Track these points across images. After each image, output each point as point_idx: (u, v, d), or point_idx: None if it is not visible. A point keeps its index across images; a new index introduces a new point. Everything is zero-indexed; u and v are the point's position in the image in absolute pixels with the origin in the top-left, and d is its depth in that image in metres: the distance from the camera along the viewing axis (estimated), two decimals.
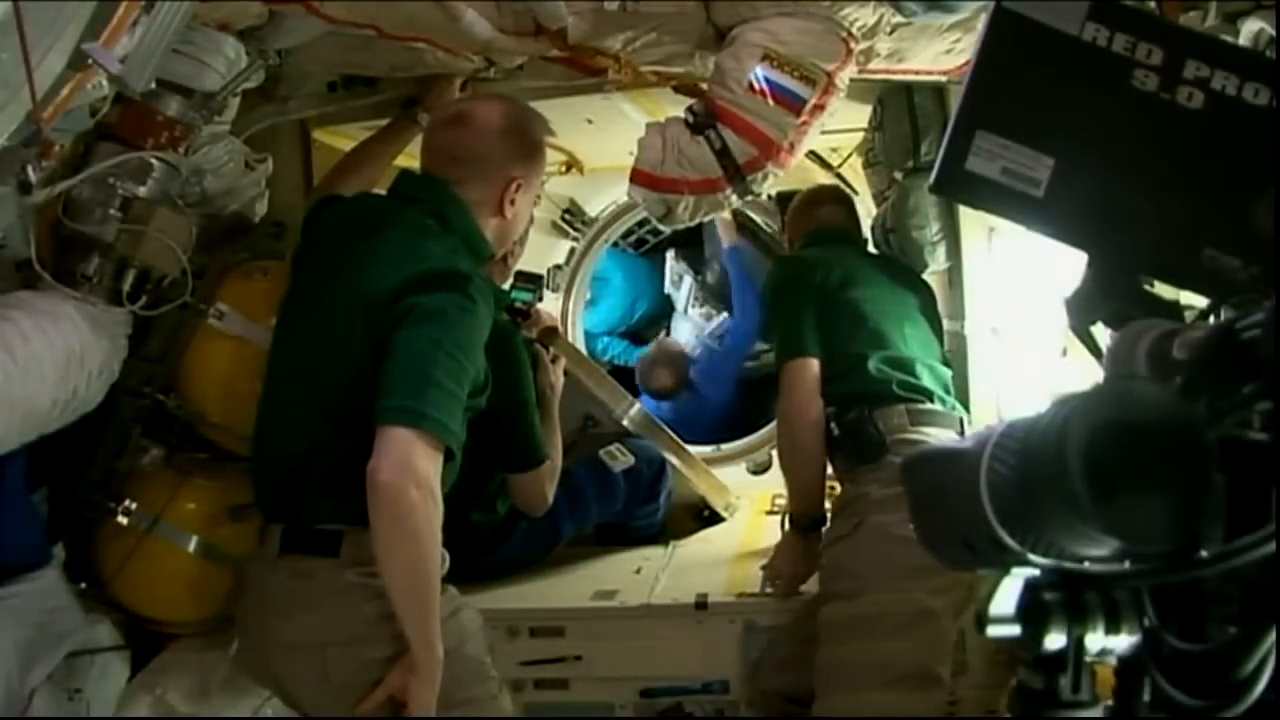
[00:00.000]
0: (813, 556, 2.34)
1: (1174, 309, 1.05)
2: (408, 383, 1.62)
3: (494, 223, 1.92)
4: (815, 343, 2.35)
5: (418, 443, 1.59)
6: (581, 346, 3.94)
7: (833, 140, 2.92)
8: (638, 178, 2.17)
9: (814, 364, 2.33)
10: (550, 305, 3.57)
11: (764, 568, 2.48)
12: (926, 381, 2.34)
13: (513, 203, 1.92)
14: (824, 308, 2.37)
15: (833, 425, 2.33)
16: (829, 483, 2.44)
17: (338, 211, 1.98)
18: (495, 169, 1.90)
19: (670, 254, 5.00)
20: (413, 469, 1.57)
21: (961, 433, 2.35)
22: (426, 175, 1.94)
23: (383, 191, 2.08)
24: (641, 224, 4.34)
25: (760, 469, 3.41)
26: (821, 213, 2.75)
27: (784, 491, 2.84)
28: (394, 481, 1.56)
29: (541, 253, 3.58)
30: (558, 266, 3.78)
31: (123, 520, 2.27)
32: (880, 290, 2.47)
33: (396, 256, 1.76)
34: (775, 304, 2.49)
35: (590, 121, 2.76)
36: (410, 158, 2.34)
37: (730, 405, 4.19)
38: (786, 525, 2.46)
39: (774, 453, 3.34)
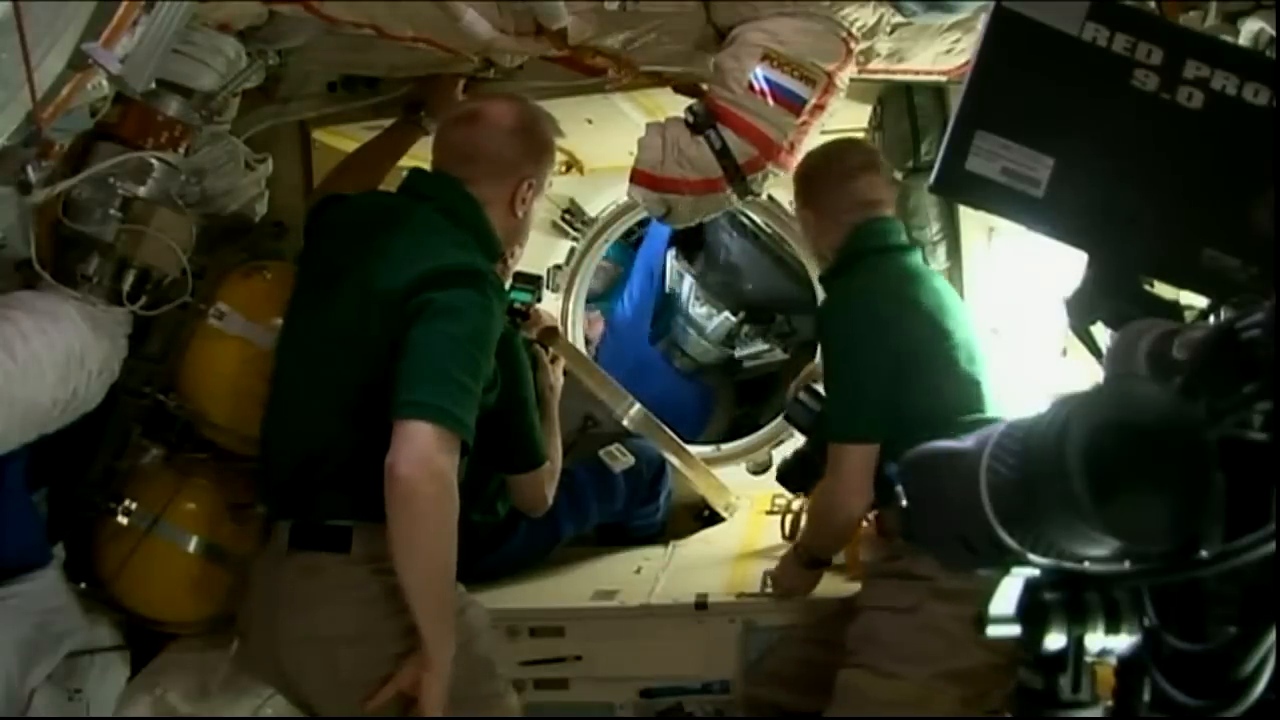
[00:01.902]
0: (814, 580, 2.32)
1: (1174, 309, 1.05)
2: (425, 378, 1.64)
3: (504, 222, 1.94)
4: (881, 426, 2.03)
5: (436, 437, 1.60)
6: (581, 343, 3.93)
7: (833, 140, 2.92)
8: (638, 178, 2.17)
9: (875, 450, 2.03)
10: (550, 305, 3.56)
11: (768, 573, 2.48)
12: None
13: (523, 202, 1.94)
14: (903, 367, 2.03)
15: (898, 491, 2.06)
16: None
17: (348, 209, 1.98)
18: (507, 168, 1.92)
19: (670, 253, 5.00)
20: (431, 463, 1.59)
21: None
22: (438, 173, 1.95)
23: (391, 190, 2.08)
24: (642, 224, 4.34)
25: (760, 469, 3.40)
26: (860, 190, 2.24)
27: (784, 491, 2.85)
28: (412, 476, 1.58)
29: (541, 253, 3.58)
30: (557, 266, 3.77)
31: (123, 520, 2.27)
32: (961, 335, 2.14)
33: (410, 253, 1.77)
34: (842, 362, 2.11)
35: (590, 121, 2.76)
36: (413, 159, 2.34)
37: (682, 402, 4.13)
38: (787, 529, 2.45)
39: (774, 453, 3.34)
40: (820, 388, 2.48)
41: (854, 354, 2.07)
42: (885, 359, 2.03)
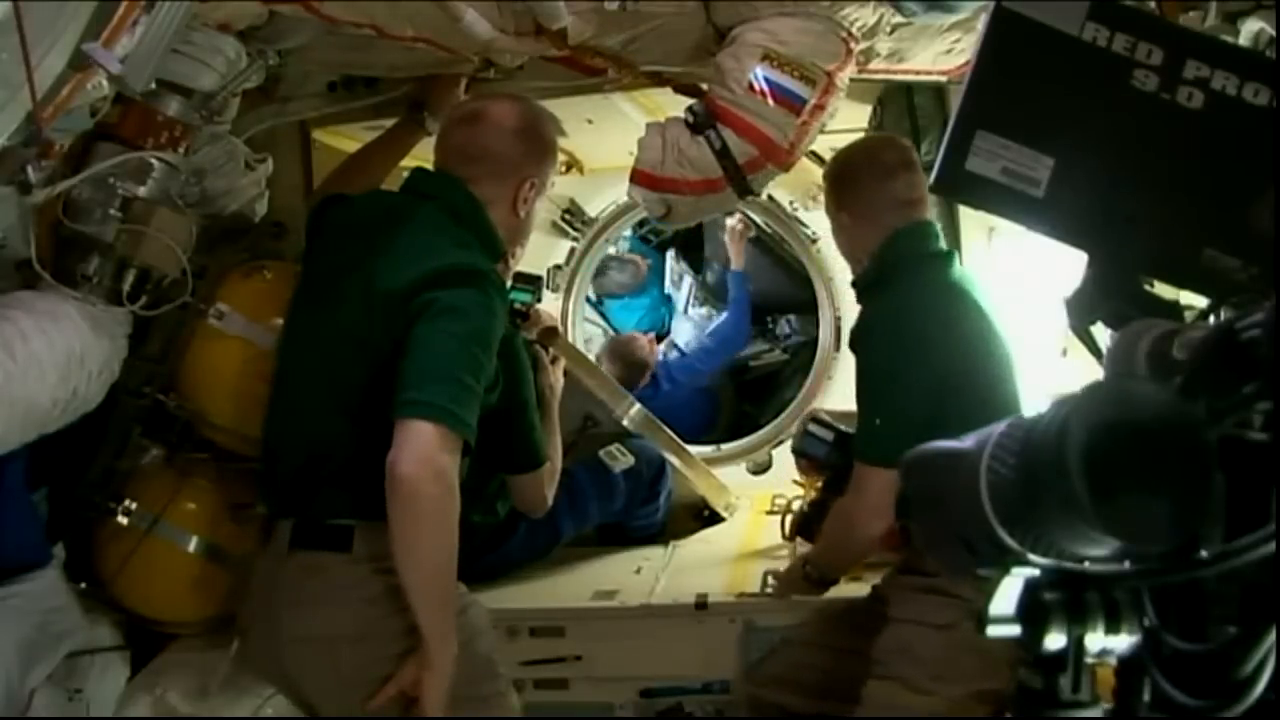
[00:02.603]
0: (819, 593, 2.29)
1: (1174, 309, 1.05)
2: (428, 377, 1.64)
3: (506, 221, 1.94)
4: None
5: (438, 437, 1.61)
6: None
7: (833, 140, 2.91)
8: (638, 178, 2.17)
9: None
10: (550, 305, 3.57)
11: (769, 573, 2.48)
12: None
13: (525, 202, 1.94)
14: (946, 391, 1.93)
15: None
16: None
17: (350, 208, 1.98)
18: (510, 168, 1.92)
19: (670, 254, 5.01)
20: (433, 462, 1.59)
21: None
22: (441, 172, 1.95)
23: (393, 189, 2.08)
24: (641, 224, 4.34)
25: (760, 469, 3.41)
26: (899, 190, 2.13)
27: (784, 491, 2.85)
28: (414, 474, 1.58)
29: (541, 253, 3.58)
30: (558, 266, 3.78)
31: (123, 520, 2.28)
32: (1002, 353, 2.07)
33: (414, 252, 1.77)
34: (882, 383, 2.02)
35: (590, 121, 2.76)
36: (414, 159, 2.34)
37: (691, 410, 4.14)
38: (787, 529, 2.42)
39: (774, 453, 3.35)
40: (826, 417, 2.48)
41: (895, 375, 1.97)
42: (928, 381, 1.94)
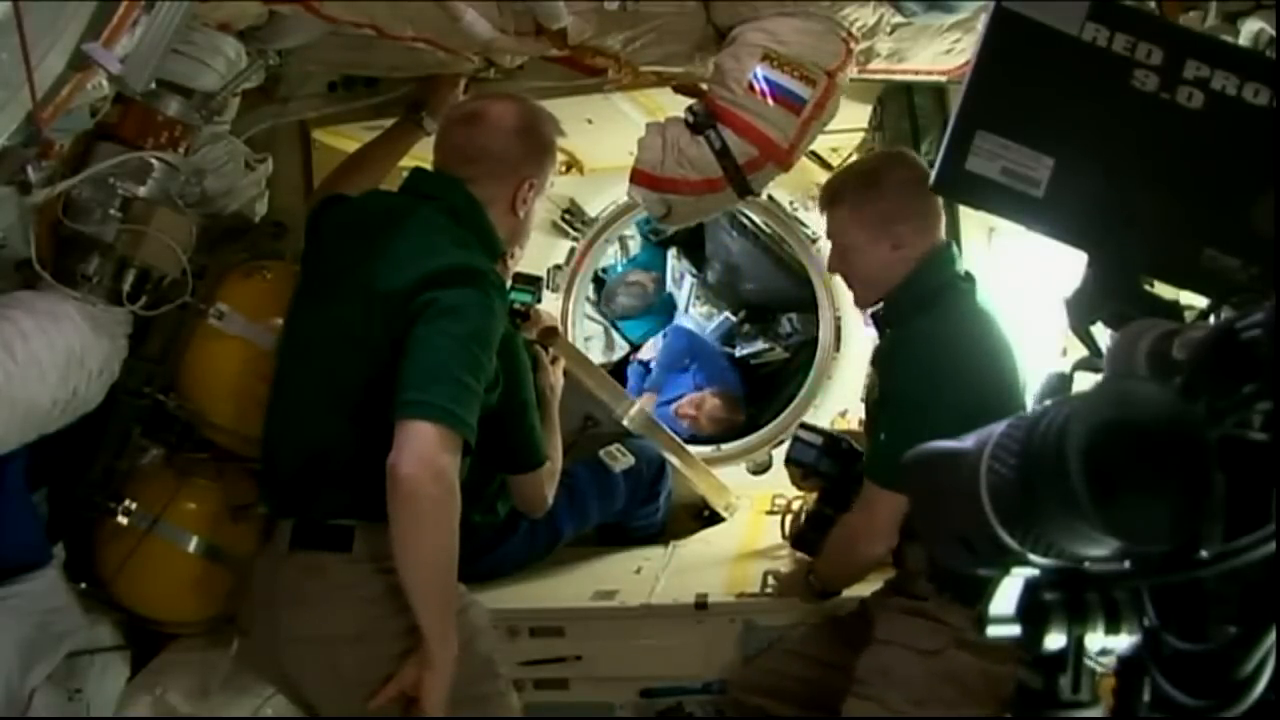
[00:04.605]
0: (819, 601, 2.30)
1: (1174, 309, 1.05)
2: (428, 377, 1.64)
3: (505, 221, 1.94)
4: None
5: (438, 437, 1.61)
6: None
7: (833, 140, 2.92)
8: (638, 178, 2.17)
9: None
10: (550, 305, 3.57)
11: (769, 573, 2.47)
12: None
13: (525, 202, 1.95)
14: (970, 424, 1.92)
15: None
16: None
17: (350, 209, 1.99)
18: (509, 169, 1.92)
19: (671, 253, 5.00)
20: (433, 463, 1.60)
21: None
22: (440, 173, 1.96)
23: (393, 190, 2.08)
24: (645, 221, 4.35)
25: (760, 469, 3.41)
26: (936, 209, 2.15)
27: (784, 491, 2.85)
28: (415, 475, 1.58)
29: (541, 253, 3.58)
30: (558, 266, 3.78)
31: (123, 520, 2.28)
32: (1019, 382, 2.04)
33: (414, 253, 1.77)
34: (909, 409, 1.97)
35: (590, 121, 2.76)
36: (413, 159, 2.35)
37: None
38: (787, 529, 2.40)
39: (774, 453, 3.34)
40: (811, 422, 2.48)
41: (924, 402, 1.93)
42: (956, 411, 1.82)
